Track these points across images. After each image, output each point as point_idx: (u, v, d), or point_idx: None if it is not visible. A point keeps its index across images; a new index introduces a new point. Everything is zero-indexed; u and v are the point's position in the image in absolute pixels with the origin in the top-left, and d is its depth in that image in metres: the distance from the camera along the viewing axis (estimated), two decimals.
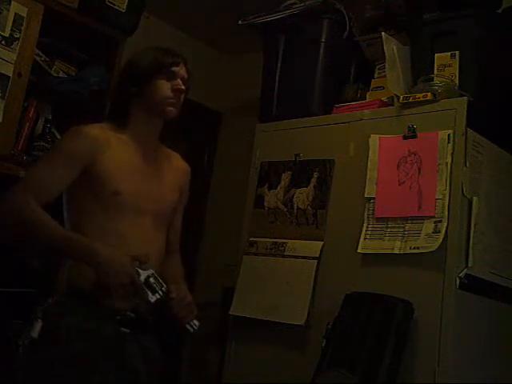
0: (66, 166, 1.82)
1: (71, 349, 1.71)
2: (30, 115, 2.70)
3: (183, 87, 1.98)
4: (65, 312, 1.76)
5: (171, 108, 1.96)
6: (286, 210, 2.59)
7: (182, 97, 2.00)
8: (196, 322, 1.86)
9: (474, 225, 2.15)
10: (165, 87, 1.94)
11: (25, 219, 1.75)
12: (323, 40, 2.70)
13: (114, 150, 1.88)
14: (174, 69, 1.97)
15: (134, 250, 1.80)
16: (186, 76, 2.00)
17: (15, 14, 2.52)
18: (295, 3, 2.80)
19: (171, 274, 1.98)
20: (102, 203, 1.84)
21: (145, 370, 1.84)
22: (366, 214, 2.33)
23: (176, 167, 2.10)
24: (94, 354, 1.73)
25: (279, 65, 2.81)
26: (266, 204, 2.66)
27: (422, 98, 2.28)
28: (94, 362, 1.72)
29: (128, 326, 1.82)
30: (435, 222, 2.14)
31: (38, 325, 1.73)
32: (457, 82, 2.30)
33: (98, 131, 1.89)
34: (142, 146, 1.95)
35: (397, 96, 2.37)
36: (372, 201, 2.32)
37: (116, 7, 2.83)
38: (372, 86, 2.64)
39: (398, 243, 2.20)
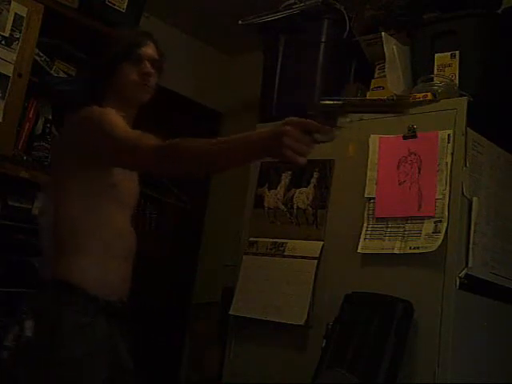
0: None
1: (70, 347, 1.68)
2: (30, 115, 2.70)
3: (151, 70, 1.89)
4: (57, 308, 1.71)
5: (141, 93, 1.90)
6: (285, 209, 2.59)
7: (153, 79, 1.91)
8: None
9: (474, 225, 2.15)
10: (131, 72, 1.87)
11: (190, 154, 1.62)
12: (323, 40, 2.70)
13: None
14: (141, 51, 1.89)
15: (128, 245, 1.83)
16: (155, 56, 1.92)
17: (15, 14, 2.52)
18: (295, 3, 2.80)
19: None
20: (102, 195, 1.80)
21: (128, 360, 1.85)
22: (366, 213, 2.33)
23: None
24: (92, 350, 1.70)
25: (279, 65, 2.81)
26: (265, 204, 2.66)
27: (422, 98, 2.28)
28: (93, 360, 1.70)
29: (117, 317, 1.81)
30: (435, 222, 2.13)
31: (30, 323, 1.69)
32: (457, 82, 2.30)
33: None
34: None
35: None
36: (372, 201, 2.32)
37: (116, 7, 2.83)
38: (372, 86, 2.64)
39: (397, 243, 2.20)
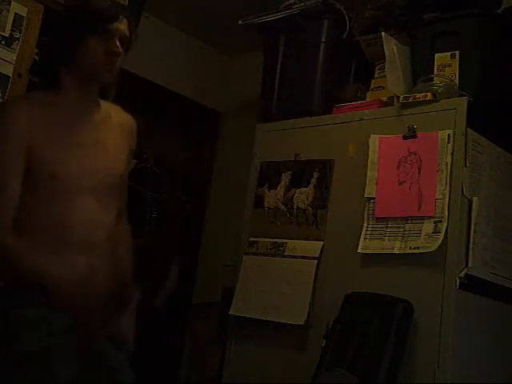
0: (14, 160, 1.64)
1: (24, 344, 1.57)
2: None
3: (120, 50, 1.69)
4: (11, 304, 1.64)
5: (104, 74, 1.71)
6: (285, 209, 2.59)
7: (120, 60, 1.72)
8: None
9: (474, 225, 2.15)
10: (98, 49, 1.67)
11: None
12: (323, 40, 2.70)
13: (45, 125, 1.67)
14: (111, 26, 1.68)
15: (76, 236, 1.68)
16: (126, 33, 1.72)
17: (15, 14, 2.52)
18: (295, 3, 2.80)
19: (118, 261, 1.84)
20: (37, 188, 1.66)
21: (114, 350, 1.74)
22: (366, 213, 2.33)
23: (119, 126, 1.86)
24: (45, 344, 1.59)
25: (279, 65, 2.81)
26: (265, 204, 2.66)
27: (421, 98, 2.28)
28: (47, 354, 1.59)
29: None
30: (435, 222, 2.13)
31: None
32: (457, 82, 2.30)
33: (24, 108, 1.68)
34: (77, 116, 1.74)
35: (397, 96, 2.37)
36: (372, 201, 2.32)
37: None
38: (372, 86, 2.64)
39: (397, 243, 2.20)
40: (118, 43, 1.68)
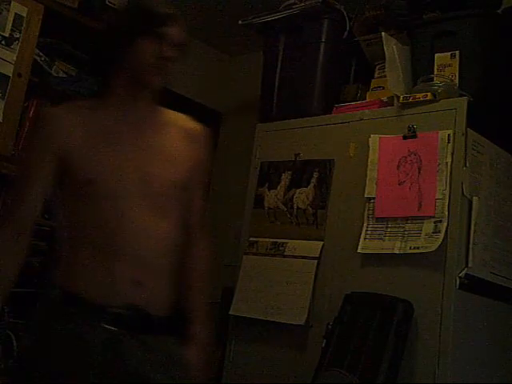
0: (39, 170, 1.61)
1: (59, 359, 1.53)
2: (30, 115, 2.70)
3: (171, 54, 1.63)
4: (52, 319, 1.58)
5: (155, 77, 1.63)
6: (286, 210, 2.59)
7: (171, 66, 1.66)
8: None
9: (474, 225, 2.15)
10: (148, 51, 1.60)
11: None
12: (323, 40, 2.70)
13: (86, 129, 1.62)
14: (164, 29, 1.62)
15: (127, 243, 1.58)
16: (180, 39, 1.66)
17: (15, 14, 2.53)
18: (295, 3, 2.80)
19: (191, 303, 1.78)
20: (76, 194, 1.60)
21: (151, 374, 1.58)
22: (366, 213, 2.33)
23: (182, 134, 1.76)
24: (81, 360, 1.53)
25: (279, 65, 2.81)
26: (266, 204, 2.66)
27: (421, 98, 2.28)
28: (80, 370, 1.53)
29: (121, 325, 1.57)
30: (435, 222, 2.13)
31: (27, 335, 1.61)
32: (457, 82, 2.30)
33: (64, 111, 1.65)
34: (126, 120, 1.66)
35: (397, 96, 2.37)
36: (372, 201, 2.32)
37: (116, 7, 2.83)
38: (372, 86, 2.64)
39: (397, 243, 2.20)
40: (170, 48, 1.62)
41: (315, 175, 2.53)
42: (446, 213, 2.12)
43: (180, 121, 1.79)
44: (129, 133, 1.66)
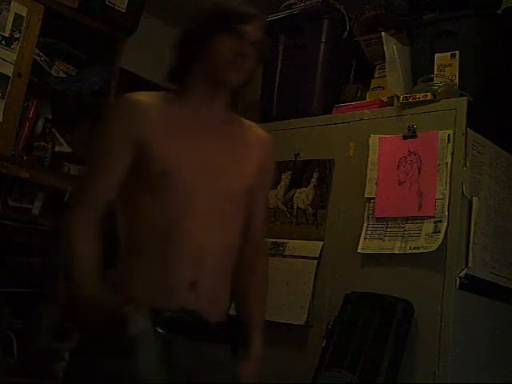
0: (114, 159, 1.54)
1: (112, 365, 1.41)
2: (30, 115, 2.70)
3: (249, 52, 1.56)
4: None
5: (231, 75, 1.56)
6: (286, 209, 2.59)
7: (249, 65, 1.58)
8: None
9: (474, 225, 2.15)
10: (227, 48, 1.54)
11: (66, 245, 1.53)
12: (323, 40, 2.70)
13: (164, 120, 1.56)
14: (243, 27, 1.55)
15: (188, 243, 1.50)
16: (257, 37, 1.58)
17: (15, 14, 2.52)
18: (295, 3, 2.80)
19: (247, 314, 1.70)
20: (148, 187, 1.52)
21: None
22: (366, 213, 2.33)
23: (252, 139, 1.71)
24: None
25: (279, 65, 2.81)
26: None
27: (421, 98, 2.28)
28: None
29: (174, 329, 1.48)
30: (435, 222, 2.13)
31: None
32: (457, 82, 2.30)
33: (144, 98, 1.58)
34: (201, 117, 1.60)
35: (397, 96, 2.37)
36: (372, 201, 2.32)
37: (116, 7, 2.83)
38: (372, 86, 2.64)
39: (397, 243, 2.20)
40: (247, 45, 1.56)
41: (315, 175, 2.53)
42: (446, 213, 2.12)
43: (252, 127, 1.75)
44: (204, 130, 1.60)
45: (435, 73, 2.35)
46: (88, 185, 1.57)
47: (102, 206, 1.54)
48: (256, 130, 1.75)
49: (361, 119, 2.48)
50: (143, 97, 1.59)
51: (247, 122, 1.75)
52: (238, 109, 1.70)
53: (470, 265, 2.11)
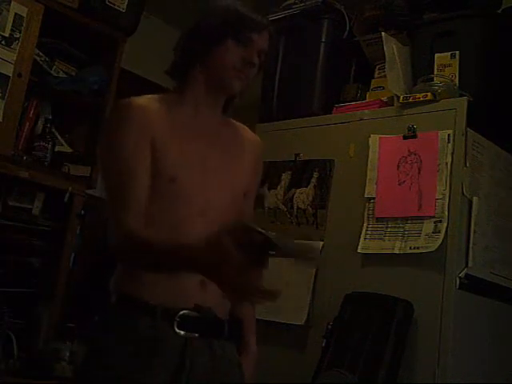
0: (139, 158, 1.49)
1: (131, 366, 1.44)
2: (30, 115, 2.70)
3: (256, 61, 1.57)
4: (110, 327, 1.50)
5: (236, 81, 1.56)
6: (286, 210, 2.59)
7: (253, 73, 1.59)
8: None
9: (474, 225, 2.15)
10: (235, 54, 1.54)
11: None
12: (323, 40, 2.70)
13: (167, 126, 1.55)
14: (253, 36, 1.56)
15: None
16: (264, 47, 1.60)
17: (15, 14, 2.52)
18: (295, 3, 2.80)
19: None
20: (155, 191, 1.50)
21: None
22: (366, 213, 2.33)
23: (246, 144, 1.73)
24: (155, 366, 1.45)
25: (279, 65, 2.81)
26: (265, 204, 2.66)
27: (421, 98, 2.28)
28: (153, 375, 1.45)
29: (191, 329, 1.49)
30: (435, 222, 2.13)
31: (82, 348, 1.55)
32: (457, 82, 2.30)
33: (147, 102, 1.56)
34: (202, 121, 1.60)
35: (397, 96, 2.37)
36: (372, 201, 2.32)
37: (116, 7, 2.83)
38: (372, 86, 2.64)
39: (397, 243, 2.20)
40: (255, 54, 1.57)
41: (315, 175, 2.53)
42: (446, 213, 2.12)
43: (244, 129, 1.76)
44: (204, 133, 1.60)
45: (435, 73, 2.35)
46: (125, 191, 1.49)
47: (144, 209, 1.49)
48: (247, 133, 1.77)
49: (361, 119, 2.48)
50: (145, 102, 1.56)
51: (239, 124, 1.77)
52: (229, 111, 1.70)
53: (470, 265, 2.11)
